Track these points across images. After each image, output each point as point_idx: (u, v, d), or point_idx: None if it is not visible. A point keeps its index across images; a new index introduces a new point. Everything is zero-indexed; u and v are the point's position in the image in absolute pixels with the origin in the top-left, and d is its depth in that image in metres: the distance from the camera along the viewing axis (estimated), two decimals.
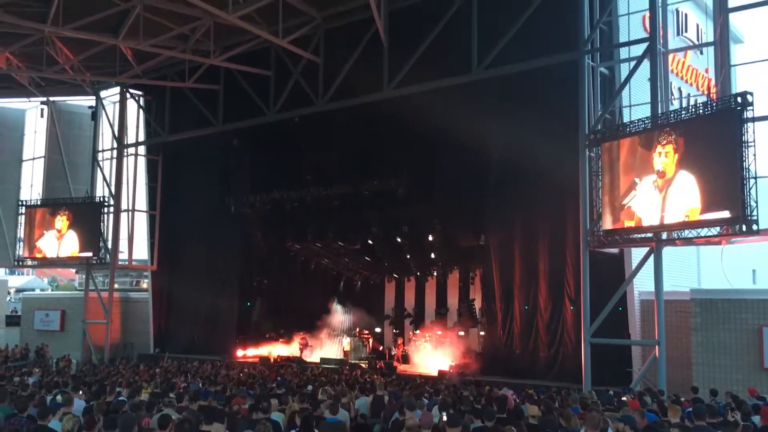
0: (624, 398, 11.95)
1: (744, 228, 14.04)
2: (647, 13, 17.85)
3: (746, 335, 15.65)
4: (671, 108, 17.17)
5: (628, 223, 16.24)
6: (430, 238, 25.57)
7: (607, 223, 16.73)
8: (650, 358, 16.36)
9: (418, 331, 27.42)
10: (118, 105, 29.92)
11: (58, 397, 9.94)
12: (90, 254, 27.88)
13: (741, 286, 18.06)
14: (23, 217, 29.22)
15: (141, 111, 29.57)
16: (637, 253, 17.44)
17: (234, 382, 15.53)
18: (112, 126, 29.95)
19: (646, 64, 17.07)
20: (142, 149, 29.80)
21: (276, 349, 27.76)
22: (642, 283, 17.74)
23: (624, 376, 17.25)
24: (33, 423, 7.92)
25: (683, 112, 15.73)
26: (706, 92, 20.12)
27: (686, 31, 20.84)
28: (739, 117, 13.95)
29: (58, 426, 7.60)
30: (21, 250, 29.59)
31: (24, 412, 8.24)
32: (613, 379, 16.70)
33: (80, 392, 11.24)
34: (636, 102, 18.20)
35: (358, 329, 28.09)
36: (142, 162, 29.89)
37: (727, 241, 15.93)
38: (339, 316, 29.10)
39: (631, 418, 8.11)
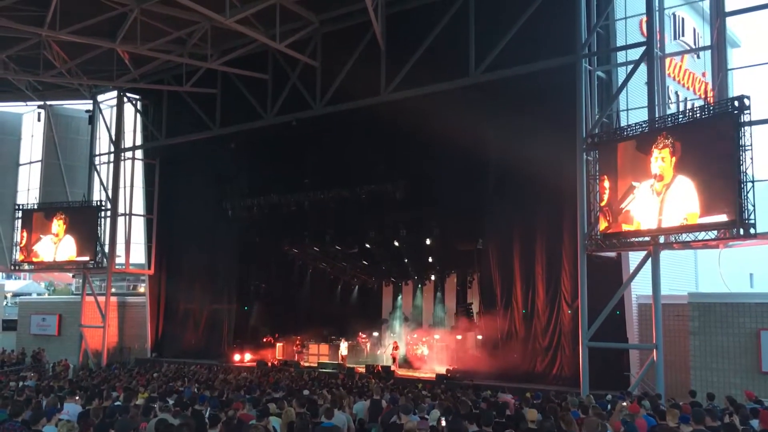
0: (624, 403, 11.90)
1: (741, 232, 14.04)
2: (644, 18, 17.88)
3: (744, 339, 15.61)
4: (668, 112, 17.16)
5: (626, 227, 16.23)
6: (428, 242, 25.56)
7: (605, 227, 16.71)
8: (648, 362, 16.34)
9: (415, 335, 27.39)
10: (115, 109, 29.85)
11: None
12: (87, 258, 27.82)
13: (738, 290, 18.03)
14: (20, 221, 29.15)
15: (138, 115, 29.54)
16: (634, 257, 17.42)
17: (231, 386, 15.48)
18: (109, 130, 29.90)
19: (643, 68, 17.09)
20: (139, 153, 29.74)
21: (273, 353, 27.71)
22: (640, 287, 17.71)
23: (622, 380, 17.22)
24: (27, 428, 7.86)
25: (680, 116, 15.74)
26: (703, 96, 20.13)
27: (683, 35, 20.86)
28: (736, 121, 13.96)
29: (52, 431, 7.55)
30: (18, 255, 29.48)
31: (18, 416, 8.18)
32: (611, 383, 16.66)
33: (76, 397, 11.19)
34: (633, 106, 18.20)
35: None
36: (139, 166, 29.83)
37: (724, 244, 15.89)
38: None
39: (633, 426, 8.07)
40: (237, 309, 27.81)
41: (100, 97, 30.26)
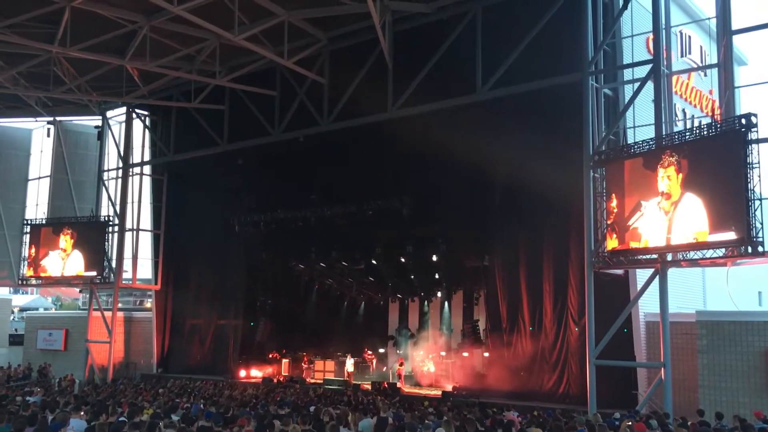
0: (629, 423, 11.81)
1: (749, 250, 13.95)
2: (651, 35, 17.91)
3: (753, 357, 15.47)
4: (675, 129, 17.17)
5: (634, 244, 16.16)
6: (435, 258, 25.52)
7: (612, 244, 16.65)
8: (656, 380, 16.20)
9: (422, 352, 27.28)
10: (124, 125, 30.10)
11: None
12: (94, 273, 27.88)
13: (747, 308, 17.92)
14: (28, 236, 29.28)
15: (147, 130, 29.72)
16: (642, 275, 17.34)
17: (237, 403, 15.44)
18: (117, 146, 30.10)
19: (649, 85, 17.10)
20: (147, 169, 29.88)
21: (279, 369, 27.64)
22: (647, 305, 17.62)
23: (630, 398, 17.10)
24: None
25: (687, 134, 15.70)
26: (710, 114, 20.12)
27: (690, 52, 20.89)
28: (744, 138, 13.92)
29: None
30: (25, 269, 29.60)
31: None
32: (618, 401, 16.54)
33: (82, 412, 11.18)
34: (640, 123, 18.21)
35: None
36: (147, 181, 29.96)
37: (732, 262, 15.81)
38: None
39: None
40: (243, 325, 27.77)
41: (109, 113, 30.49)
